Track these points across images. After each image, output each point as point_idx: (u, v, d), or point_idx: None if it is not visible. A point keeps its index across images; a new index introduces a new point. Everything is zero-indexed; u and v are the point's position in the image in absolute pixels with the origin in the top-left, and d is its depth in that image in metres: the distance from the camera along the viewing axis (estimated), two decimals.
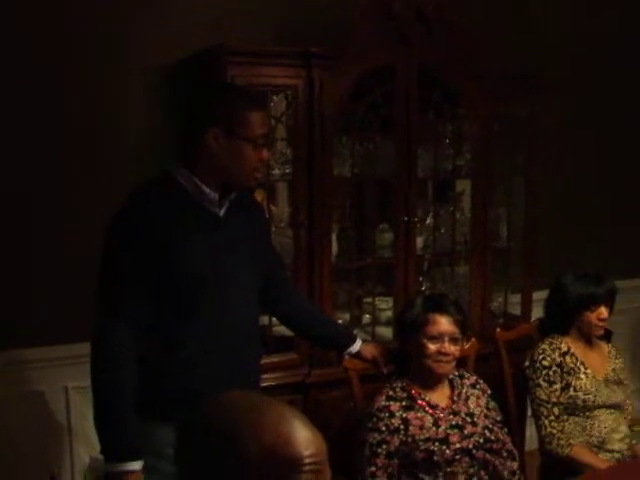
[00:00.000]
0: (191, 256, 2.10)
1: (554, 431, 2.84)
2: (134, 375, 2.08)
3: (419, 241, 3.47)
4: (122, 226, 2.09)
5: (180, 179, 2.14)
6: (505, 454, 2.60)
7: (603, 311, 2.96)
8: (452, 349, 2.55)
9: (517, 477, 2.60)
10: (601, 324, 2.99)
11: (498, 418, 2.66)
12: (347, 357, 2.74)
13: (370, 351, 2.73)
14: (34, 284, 2.99)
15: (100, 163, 3.07)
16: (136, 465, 2.04)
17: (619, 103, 4.37)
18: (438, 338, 2.55)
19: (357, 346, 2.71)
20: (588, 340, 3.02)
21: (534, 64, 3.78)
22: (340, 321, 3.34)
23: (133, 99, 3.11)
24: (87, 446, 3.07)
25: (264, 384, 2.62)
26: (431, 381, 2.59)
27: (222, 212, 2.19)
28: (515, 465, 2.61)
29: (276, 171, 3.14)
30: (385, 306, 3.50)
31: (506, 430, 2.68)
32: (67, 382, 3.08)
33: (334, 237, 3.30)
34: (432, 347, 2.55)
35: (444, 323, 2.56)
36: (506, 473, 2.57)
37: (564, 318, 3.03)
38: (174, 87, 3.13)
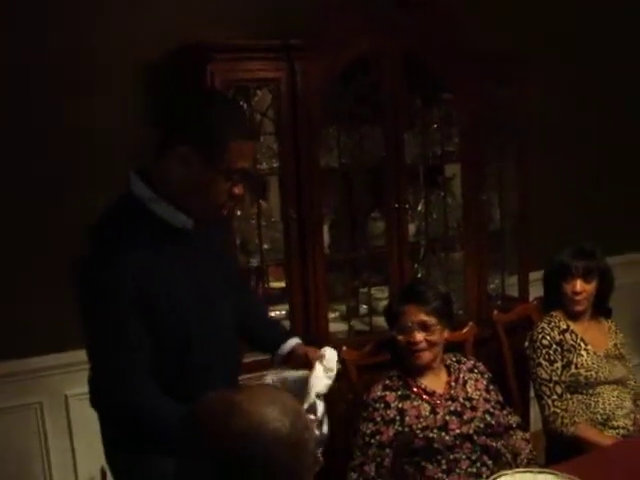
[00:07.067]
0: (177, 295, 1.89)
1: (558, 410, 2.82)
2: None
3: (411, 228, 3.45)
4: (100, 279, 1.80)
5: (148, 203, 1.87)
6: (515, 425, 2.62)
7: (577, 284, 2.94)
8: (420, 337, 2.52)
9: (530, 446, 2.60)
10: (577, 298, 2.96)
11: (500, 399, 2.65)
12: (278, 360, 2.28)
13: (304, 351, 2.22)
14: (28, 290, 2.97)
15: (77, 163, 3.03)
16: None
17: (611, 82, 4.37)
18: (407, 329, 2.53)
19: (288, 347, 2.24)
20: (571, 315, 3.00)
21: (520, 44, 3.75)
22: (332, 314, 3.33)
23: (108, 94, 3.04)
24: (90, 452, 3.06)
25: None
26: (420, 370, 2.57)
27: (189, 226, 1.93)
28: (527, 435, 2.64)
29: (264, 165, 3.12)
30: (381, 295, 3.46)
31: (508, 409, 2.67)
32: (66, 390, 3.06)
33: (326, 229, 3.28)
34: (401, 338, 2.54)
35: (413, 313, 2.54)
36: (523, 444, 2.58)
37: (555, 291, 3.02)
38: (154, 83, 3.10)
